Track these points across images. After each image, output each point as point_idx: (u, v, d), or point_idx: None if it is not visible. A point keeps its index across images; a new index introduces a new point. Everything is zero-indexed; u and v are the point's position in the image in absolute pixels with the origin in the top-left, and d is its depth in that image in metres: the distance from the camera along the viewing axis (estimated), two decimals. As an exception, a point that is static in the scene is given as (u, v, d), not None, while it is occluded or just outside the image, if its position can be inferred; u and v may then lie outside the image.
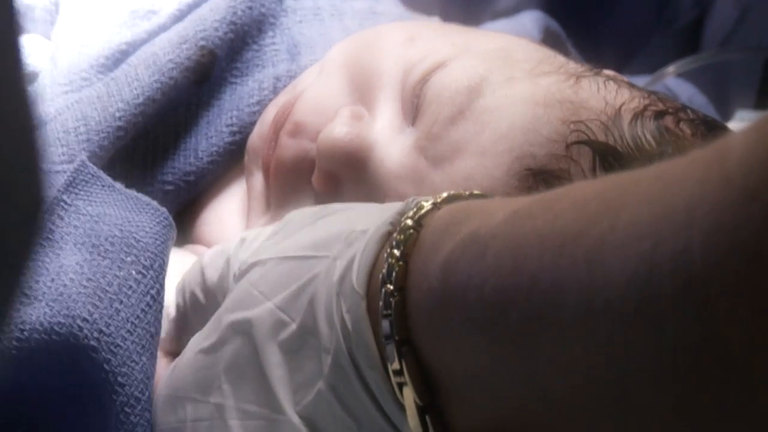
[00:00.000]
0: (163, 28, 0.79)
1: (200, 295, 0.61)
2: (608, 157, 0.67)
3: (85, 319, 0.58)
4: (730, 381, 0.39)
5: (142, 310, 0.61)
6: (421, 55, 0.72)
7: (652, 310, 0.40)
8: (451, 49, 0.72)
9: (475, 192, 0.55)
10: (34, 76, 0.79)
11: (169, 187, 0.76)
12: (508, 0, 1.08)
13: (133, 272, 0.61)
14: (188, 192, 0.77)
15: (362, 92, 0.73)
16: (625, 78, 0.76)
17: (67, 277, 0.60)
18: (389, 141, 0.70)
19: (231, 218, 0.75)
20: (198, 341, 0.58)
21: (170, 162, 0.77)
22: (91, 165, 0.68)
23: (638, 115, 0.69)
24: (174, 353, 0.62)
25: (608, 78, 0.72)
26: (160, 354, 0.62)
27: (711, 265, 0.38)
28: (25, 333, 0.57)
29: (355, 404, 0.51)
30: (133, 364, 0.59)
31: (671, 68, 0.94)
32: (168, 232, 0.65)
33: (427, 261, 0.49)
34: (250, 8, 0.81)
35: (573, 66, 0.74)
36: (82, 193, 0.66)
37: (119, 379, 0.58)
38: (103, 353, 0.58)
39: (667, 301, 0.39)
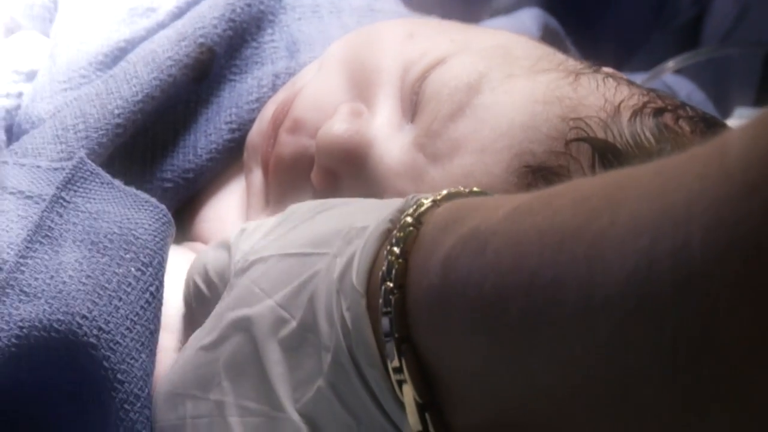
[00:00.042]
0: (161, 26, 0.79)
1: (203, 287, 0.61)
2: (607, 154, 0.67)
3: (84, 316, 0.58)
4: (730, 377, 0.39)
5: (142, 307, 0.61)
6: (420, 52, 0.72)
7: (651, 306, 0.40)
8: (451, 46, 0.72)
9: (475, 189, 0.55)
10: (32, 74, 0.79)
11: (168, 185, 0.76)
12: (507, -3, 1.08)
13: (133, 269, 0.61)
14: (187, 189, 0.77)
15: (361, 89, 0.73)
16: (624, 75, 0.76)
17: (66, 275, 0.60)
18: (388, 138, 0.70)
19: (230, 215, 0.75)
20: (198, 338, 0.58)
21: (169, 159, 0.77)
22: (89, 162, 0.68)
23: (637, 112, 0.69)
24: None
25: (607, 75, 0.72)
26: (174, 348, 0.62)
27: (711, 261, 0.38)
28: (25, 330, 0.57)
29: (354, 402, 0.51)
30: (132, 361, 0.59)
31: (671, 63, 0.94)
32: (167, 229, 0.65)
33: (426, 258, 0.49)
34: (249, 5, 0.81)
35: (572, 63, 0.74)
36: (81, 190, 0.66)
37: (119, 376, 0.58)
38: (102, 350, 0.58)
39: (666, 296, 0.39)
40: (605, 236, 0.42)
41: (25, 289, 0.59)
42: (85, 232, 0.63)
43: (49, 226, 0.63)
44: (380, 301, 0.50)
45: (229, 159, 0.78)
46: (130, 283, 0.61)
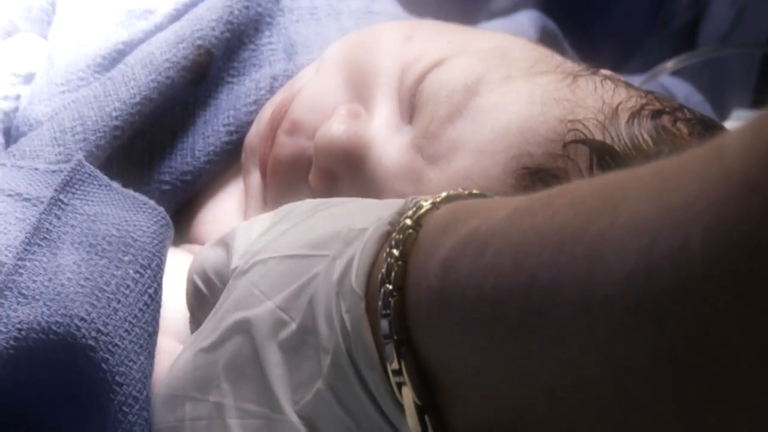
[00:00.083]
0: (159, 28, 0.79)
1: (201, 286, 0.61)
2: (605, 156, 0.67)
3: (82, 319, 0.58)
4: (730, 377, 0.39)
5: (140, 309, 0.61)
6: (418, 54, 0.72)
7: (651, 307, 0.40)
8: (449, 48, 0.72)
9: (474, 191, 0.55)
10: (30, 76, 0.79)
11: (166, 187, 0.76)
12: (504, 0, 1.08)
13: (131, 271, 0.61)
14: (185, 191, 0.77)
15: (359, 90, 0.73)
16: (622, 77, 0.76)
17: (64, 277, 0.60)
18: (386, 139, 0.70)
19: (228, 218, 0.75)
20: (197, 340, 0.57)
21: (167, 161, 0.77)
22: (88, 164, 0.68)
23: (635, 114, 0.69)
24: None
25: (605, 77, 0.72)
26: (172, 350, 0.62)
27: (710, 261, 0.38)
28: (23, 333, 0.57)
29: (353, 404, 0.51)
30: (130, 364, 0.59)
31: (668, 64, 0.94)
32: (165, 231, 0.65)
33: (426, 260, 0.49)
34: (247, 8, 0.81)
35: (570, 65, 0.74)
36: (79, 192, 0.66)
37: (117, 378, 0.58)
38: (100, 352, 0.58)
39: (666, 296, 0.39)
40: (605, 237, 0.42)
41: (24, 291, 0.59)
42: (84, 234, 0.63)
43: (48, 229, 0.63)
44: (379, 303, 0.50)
45: (227, 161, 0.78)
46: (128, 285, 0.61)
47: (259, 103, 0.78)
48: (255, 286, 0.55)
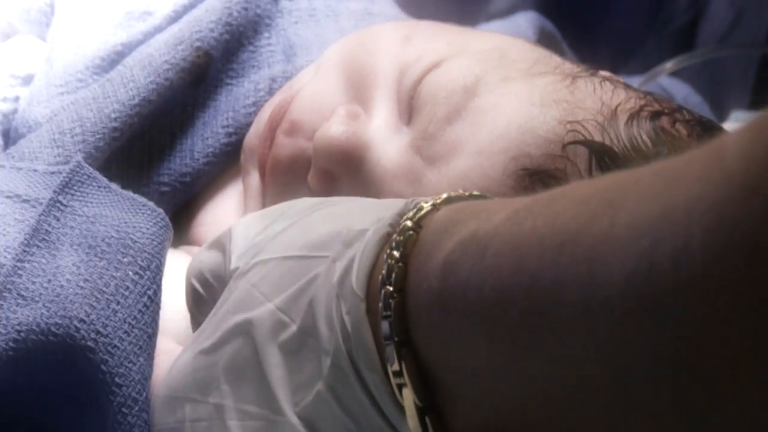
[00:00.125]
0: (158, 29, 0.79)
1: (199, 288, 0.61)
2: (604, 157, 0.68)
3: (82, 320, 0.58)
4: (731, 378, 0.39)
5: (139, 310, 0.60)
6: (417, 55, 0.72)
7: (652, 308, 0.40)
8: (447, 49, 0.72)
9: (475, 193, 0.55)
10: (29, 78, 0.79)
11: (165, 188, 0.76)
12: (502, 1, 1.08)
13: (130, 273, 0.61)
14: (184, 193, 0.77)
15: (358, 91, 0.73)
16: (621, 78, 0.76)
17: (63, 278, 0.60)
18: (385, 140, 0.70)
19: (227, 219, 0.75)
20: (197, 341, 0.57)
21: (166, 163, 0.77)
22: (87, 166, 0.68)
23: (634, 115, 0.69)
24: None
25: (604, 79, 0.72)
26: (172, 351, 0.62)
27: (711, 262, 0.38)
28: (22, 334, 0.57)
29: (354, 405, 0.51)
30: (130, 365, 0.58)
31: (667, 65, 0.94)
32: (165, 232, 0.65)
33: (426, 262, 0.49)
34: (246, 9, 0.81)
35: (569, 66, 0.74)
36: (78, 194, 0.66)
37: (116, 379, 0.58)
38: (100, 354, 0.58)
39: (667, 298, 0.39)
40: (605, 238, 0.42)
41: (23, 292, 0.59)
42: (83, 235, 0.63)
43: (47, 230, 0.63)
44: (380, 304, 0.49)
45: (226, 163, 0.78)
46: (127, 287, 0.61)
47: (258, 105, 0.78)
48: (255, 288, 0.55)
